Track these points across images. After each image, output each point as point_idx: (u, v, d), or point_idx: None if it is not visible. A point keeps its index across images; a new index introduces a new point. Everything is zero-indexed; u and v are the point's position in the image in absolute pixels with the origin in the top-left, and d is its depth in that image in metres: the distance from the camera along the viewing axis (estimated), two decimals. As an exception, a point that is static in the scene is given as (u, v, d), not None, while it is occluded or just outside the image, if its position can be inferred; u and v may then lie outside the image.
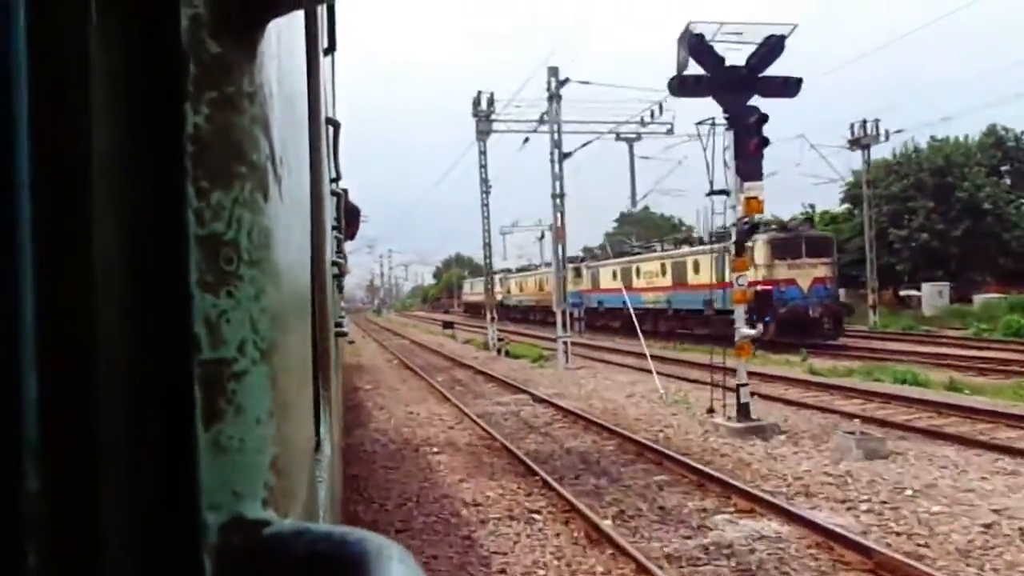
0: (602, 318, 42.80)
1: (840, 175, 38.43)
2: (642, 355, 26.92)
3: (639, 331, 18.32)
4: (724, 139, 12.48)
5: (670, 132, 33.86)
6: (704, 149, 13.21)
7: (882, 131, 34.25)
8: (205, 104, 0.52)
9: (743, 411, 12.24)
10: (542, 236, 79.62)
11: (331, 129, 3.29)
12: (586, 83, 23.24)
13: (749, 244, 28.24)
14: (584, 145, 25.78)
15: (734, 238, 12.44)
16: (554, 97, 22.79)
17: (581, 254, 61.42)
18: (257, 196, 0.56)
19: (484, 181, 33.15)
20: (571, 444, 12.71)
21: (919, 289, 40.82)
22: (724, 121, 12.48)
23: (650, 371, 21.33)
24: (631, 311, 21.34)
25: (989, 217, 40.22)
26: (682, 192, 37.90)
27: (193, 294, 0.51)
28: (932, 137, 44.51)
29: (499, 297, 68.52)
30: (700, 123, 13.42)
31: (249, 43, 0.56)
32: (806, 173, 40.04)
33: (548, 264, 57.65)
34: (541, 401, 17.19)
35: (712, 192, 13.29)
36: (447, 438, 13.27)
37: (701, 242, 35.28)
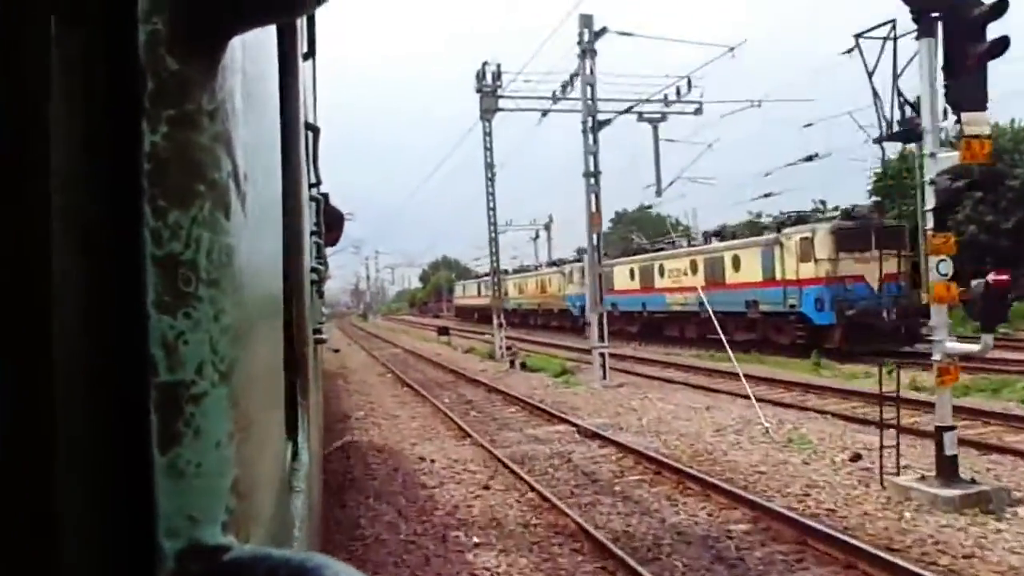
0: (616, 323, 38.29)
1: (889, 159, 34.40)
2: (686, 367, 22.69)
3: (724, 341, 14.00)
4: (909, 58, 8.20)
5: (698, 112, 29.74)
6: (870, 75, 8.94)
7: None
8: (163, 122, 0.51)
9: (948, 469, 7.92)
10: (536, 236, 75.55)
11: (310, 135, 2.98)
12: (627, 34, 18.97)
13: (807, 235, 24.24)
14: (627, 111, 21.47)
15: (933, 202, 8.07)
16: (587, 52, 18.48)
17: (575, 255, 57.33)
18: (217, 215, 0.55)
19: (489, 166, 28.82)
20: (675, 518, 8.36)
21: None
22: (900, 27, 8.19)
23: (715, 390, 17.06)
24: (711, 314, 16.93)
25: (1045, 207, 36.28)
26: (711, 180, 33.84)
27: (150, 315, 0.51)
28: (973, 122, 40.48)
29: (494, 300, 64.18)
30: (861, 35, 9.14)
31: (210, 60, 0.55)
32: (855, 158, 36.06)
33: (551, 264, 53.40)
34: (594, 436, 12.83)
35: (889, 136, 8.96)
36: (485, 510, 8.86)
37: (734, 236, 31.18)
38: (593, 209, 18.58)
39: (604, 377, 18.54)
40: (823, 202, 51.31)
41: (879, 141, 9.35)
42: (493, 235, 28.76)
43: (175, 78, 0.51)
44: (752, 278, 26.09)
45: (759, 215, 50.72)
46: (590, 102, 18.79)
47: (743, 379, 13.43)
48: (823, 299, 22.76)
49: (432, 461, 11.41)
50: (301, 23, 2.46)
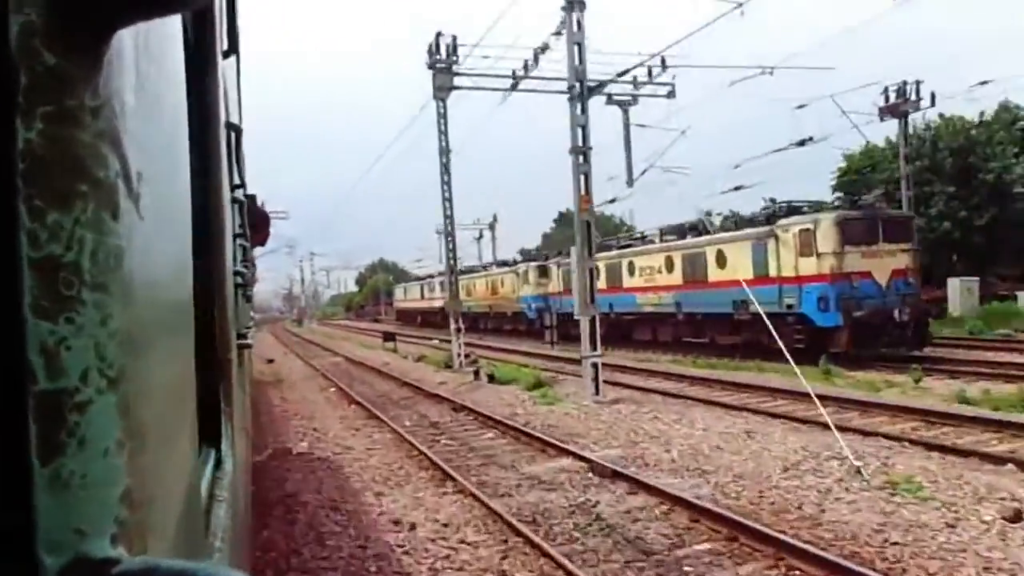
0: (576, 325, 35.49)
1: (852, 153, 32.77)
2: (677, 376, 19.79)
3: (784, 350, 11.11)
4: None
5: (671, 95, 27.09)
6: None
7: (924, 94, 28.25)
8: (39, 119, 0.49)
9: None
10: (480, 236, 72.49)
11: (232, 135, 2.79)
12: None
13: (808, 226, 21.76)
14: (624, 73, 18.51)
15: None
16: (575, 3, 15.48)
17: (518, 257, 54.66)
18: (103, 215, 0.53)
19: (444, 151, 25.58)
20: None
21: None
22: None
23: (736, 408, 14.24)
24: (761, 312, 13.98)
25: (1019, 203, 35.05)
26: (685, 169, 31.27)
27: (27, 320, 0.49)
28: (940, 115, 39.31)
29: (439, 303, 60.60)
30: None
31: (93, 53, 0.52)
32: (836, 146, 34.01)
33: (502, 264, 50.36)
34: (615, 477, 9.80)
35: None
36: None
37: (707, 231, 28.72)
38: (582, 191, 15.56)
39: (597, 392, 15.52)
40: (773, 200, 49.79)
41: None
42: (449, 228, 25.47)
43: (52, 72, 0.48)
44: (740, 275, 23.44)
45: (708, 213, 48.85)
46: (578, 64, 15.77)
47: (817, 401, 10.53)
48: (827, 298, 20.30)
49: (412, 527, 8.14)
50: (220, 19, 2.18)
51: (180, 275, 1.00)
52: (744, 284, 16.95)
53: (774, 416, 13.04)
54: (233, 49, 2.94)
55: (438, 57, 25.00)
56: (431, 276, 65.69)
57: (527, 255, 53.14)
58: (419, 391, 20.30)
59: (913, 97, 28.43)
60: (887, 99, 29.00)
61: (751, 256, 23.04)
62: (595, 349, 15.53)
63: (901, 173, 29.90)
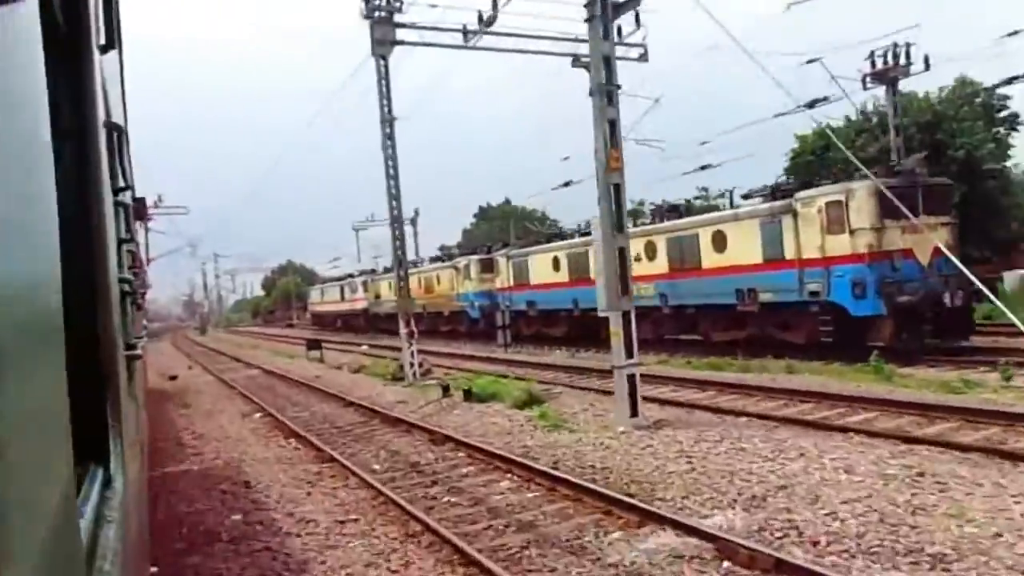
0: (533, 324, 31.53)
1: (862, 112, 30.19)
2: (687, 381, 16.02)
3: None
4: None
5: (643, 59, 23.45)
6: None
7: (916, 57, 25.59)
8: None
9: None
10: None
11: (115, 135, 2.57)
12: None
13: (838, 198, 18.36)
14: None
15: None
16: None
17: (438, 252, 50.56)
18: None
19: (388, 121, 21.07)
20: None
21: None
22: None
23: (835, 427, 10.56)
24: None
25: (990, 181, 33.32)
26: (660, 143, 27.73)
27: None
28: (894, 91, 37.31)
29: (362, 304, 55.49)
30: None
31: None
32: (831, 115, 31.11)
33: (435, 259, 45.92)
34: (784, 572, 5.79)
35: None
36: None
37: (689, 213, 25.26)
38: (608, 143, 11.54)
39: (636, 413, 11.52)
40: (705, 189, 47.14)
41: None
42: (396, 210, 20.93)
43: None
44: (746, 259, 20.04)
45: (641, 203, 45.82)
46: (598, -26, 11.72)
47: None
48: (864, 282, 17.01)
49: None
50: (95, 12, 2.01)
51: (43, 282, 0.91)
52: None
53: (915, 441, 9.36)
54: (112, 44, 2.45)
55: (376, 3, 20.50)
56: (351, 275, 60.49)
57: (446, 251, 49.00)
58: (373, 414, 15.86)
59: (904, 62, 25.72)
60: (873, 64, 26.22)
61: (760, 237, 19.56)
62: (631, 356, 11.50)
63: (891, 145, 27.20)
